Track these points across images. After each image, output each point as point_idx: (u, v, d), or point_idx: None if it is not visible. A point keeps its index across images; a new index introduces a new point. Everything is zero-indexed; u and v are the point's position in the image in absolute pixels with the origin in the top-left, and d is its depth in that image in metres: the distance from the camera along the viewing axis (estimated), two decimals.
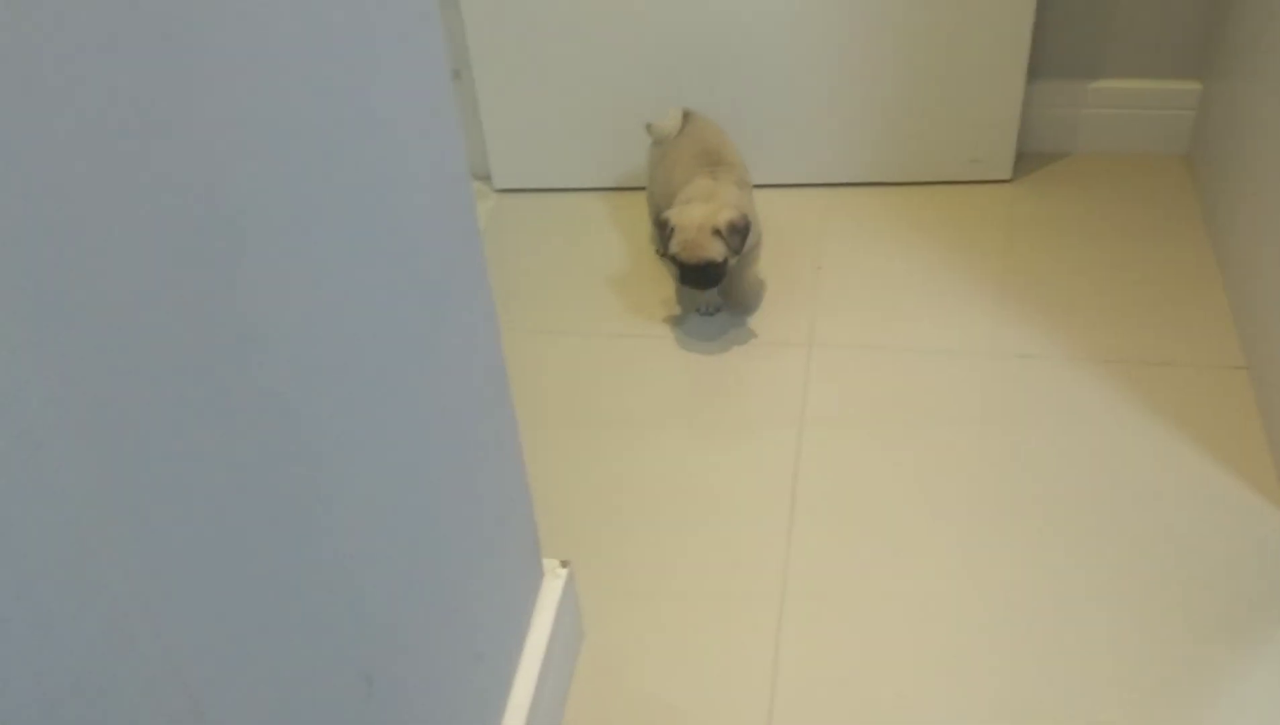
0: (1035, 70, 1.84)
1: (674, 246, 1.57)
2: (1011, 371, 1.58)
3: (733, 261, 1.59)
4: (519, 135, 1.93)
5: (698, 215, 1.56)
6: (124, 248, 0.51)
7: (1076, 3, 1.84)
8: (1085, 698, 1.19)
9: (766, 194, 1.92)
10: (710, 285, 1.62)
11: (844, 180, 1.92)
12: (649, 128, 1.75)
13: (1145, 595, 1.28)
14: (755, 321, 1.70)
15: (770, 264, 1.76)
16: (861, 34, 1.78)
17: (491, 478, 1.04)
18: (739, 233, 1.57)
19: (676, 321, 1.71)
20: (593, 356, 1.67)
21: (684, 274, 1.60)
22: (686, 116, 1.74)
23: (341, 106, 0.71)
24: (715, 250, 1.56)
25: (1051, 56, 1.88)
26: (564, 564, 1.22)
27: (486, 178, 1.98)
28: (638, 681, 1.25)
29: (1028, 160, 1.94)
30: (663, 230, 1.59)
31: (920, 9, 1.75)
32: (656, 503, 1.44)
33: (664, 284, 1.78)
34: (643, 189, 1.86)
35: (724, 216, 1.56)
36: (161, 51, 0.53)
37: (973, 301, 1.70)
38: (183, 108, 0.54)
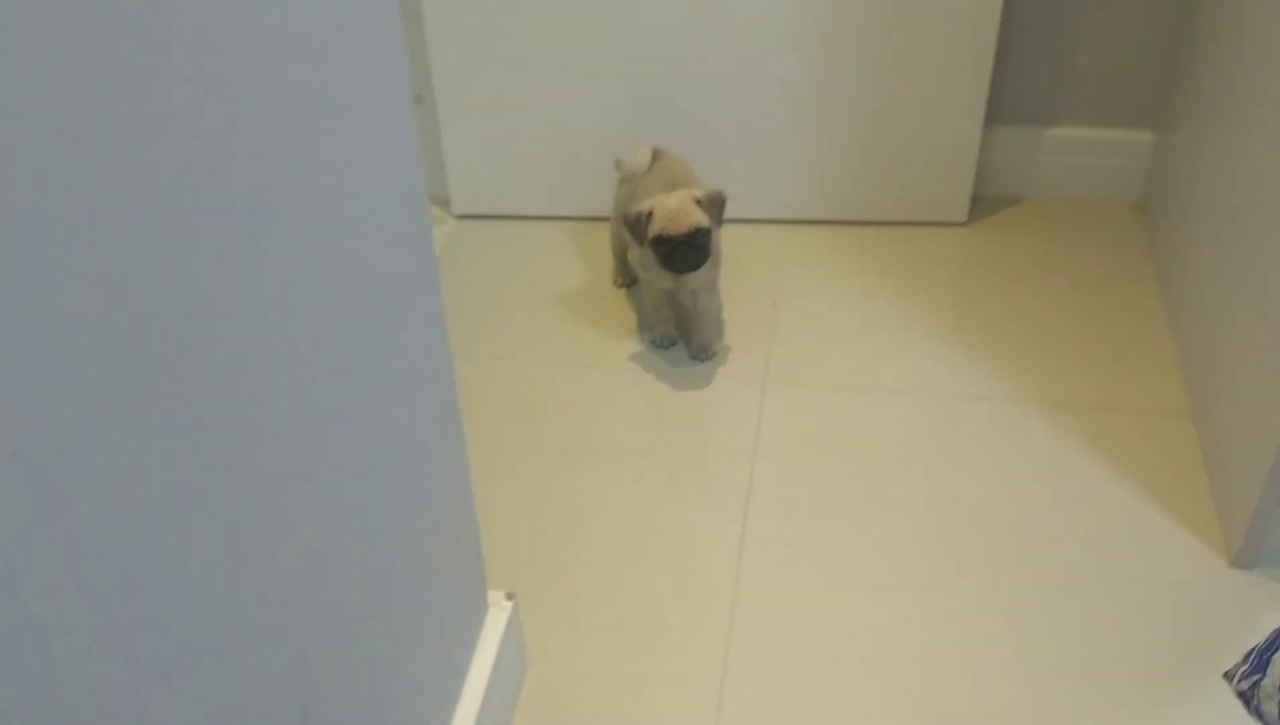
0: (992, 116, 1.87)
1: (657, 225, 1.54)
2: (962, 413, 1.59)
3: (716, 234, 1.58)
4: (479, 161, 1.92)
5: (674, 194, 1.56)
6: (72, 268, 0.50)
7: (1034, 51, 1.87)
8: None
9: (726, 229, 1.93)
10: (699, 261, 1.57)
11: (802, 217, 1.94)
12: (618, 164, 1.74)
13: (1087, 638, 1.29)
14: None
15: (728, 299, 1.76)
16: (822, 75, 1.80)
17: (438, 507, 1.03)
18: (717, 204, 1.56)
19: (633, 355, 1.71)
20: (547, 386, 1.66)
21: (671, 253, 1.55)
22: (656, 155, 1.71)
23: (298, 128, 0.70)
24: (701, 216, 1.54)
25: (1009, 103, 1.91)
26: (509, 596, 1.20)
27: (446, 203, 1.97)
28: (581, 716, 1.24)
29: (983, 204, 1.96)
30: (639, 222, 1.56)
31: (880, 53, 1.77)
32: (606, 534, 1.43)
33: (622, 316, 1.78)
34: (603, 219, 1.86)
35: (700, 190, 1.56)
36: (116, 70, 0.52)
37: (926, 343, 1.71)
38: (136, 131, 0.53)
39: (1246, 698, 0.90)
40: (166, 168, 0.57)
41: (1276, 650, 0.81)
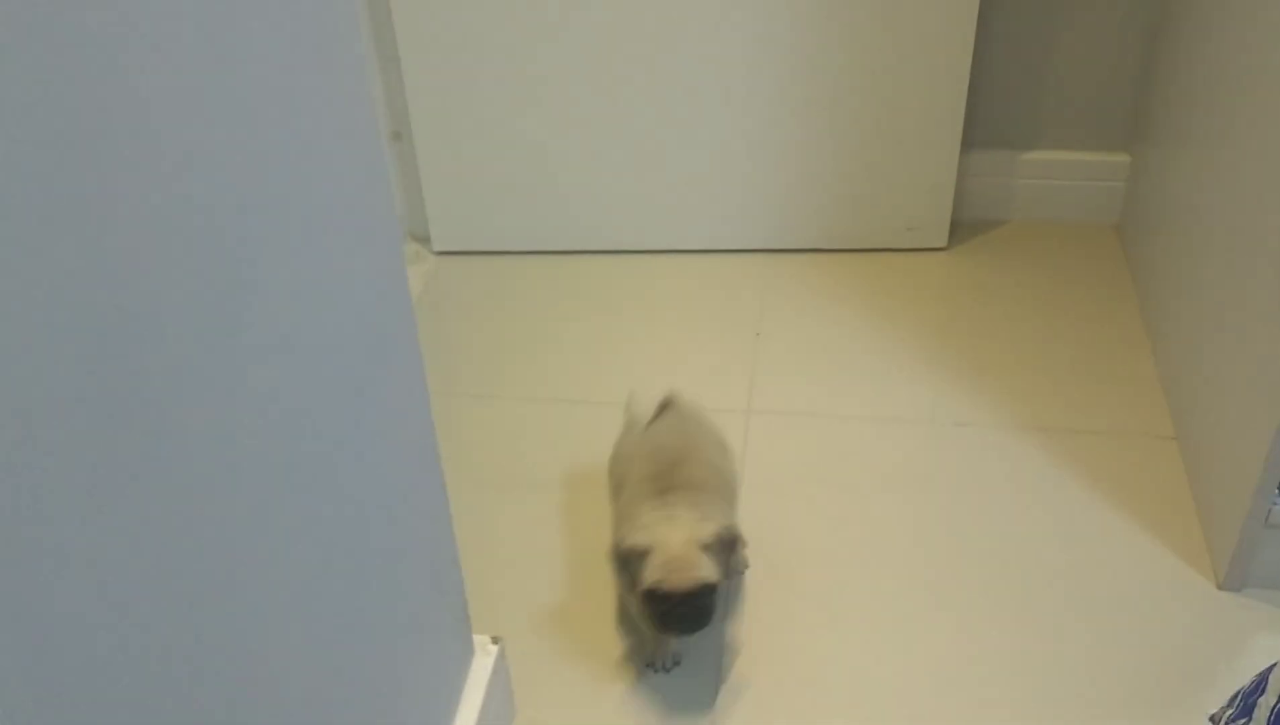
0: (970, 140, 1.88)
1: (653, 573, 1.18)
2: (947, 439, 1.59)
3: (724, 586, 1.23)
4: (459, 197, 1.92)
5: (679, 531, 1.20)
6: (35, 328, 0.49)
7: (1010, 75, 1.88)
8: None
9: (707, 259, 1.93)
10: (702, 623, 1.21)
11: (783, 246, 1.94)
12: (627, 403, 1.49)
13: (1073, 663, 1.28)
14: (694, 387, 1.69)
15: (710, 330, 1.76)
16: (800, 102, 1.80)
17: (418, 548, 1.02)
18: (728, 546, 1.22)
19: (617, 389, 1.70)
20: (530, 422, 1.66)
21: (668, 614, 1.20)
22: (666, 405, 1.39)
23: (264, 169, 0.69)
24: (709, 568, 1.18)
25: (986, 127, 1.92)
26: (495, 640, 1.19)
27: (426, 240, 1.97)
28: None
29: (963, 228, 1.97)
30: (630, 560, 1.20)
31: (857, 81, 1.78)
32: (594, 571, 1.42)
33: (606, 348, 1.78)
34: (587, 253, 1.86)
35: (708, 528, 1.20)
36: (70, 117, 0.51)
37: (909, 369, 1.71)
38: (97, 171, 0.53)
39: None
40: (133, 208, 0.56)
41: (1262, 694, 0.81)
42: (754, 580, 1.40)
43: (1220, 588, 1.35)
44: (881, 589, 1.39)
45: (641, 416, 1.39)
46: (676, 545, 1.18)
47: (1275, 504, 1.27)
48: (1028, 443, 1.57)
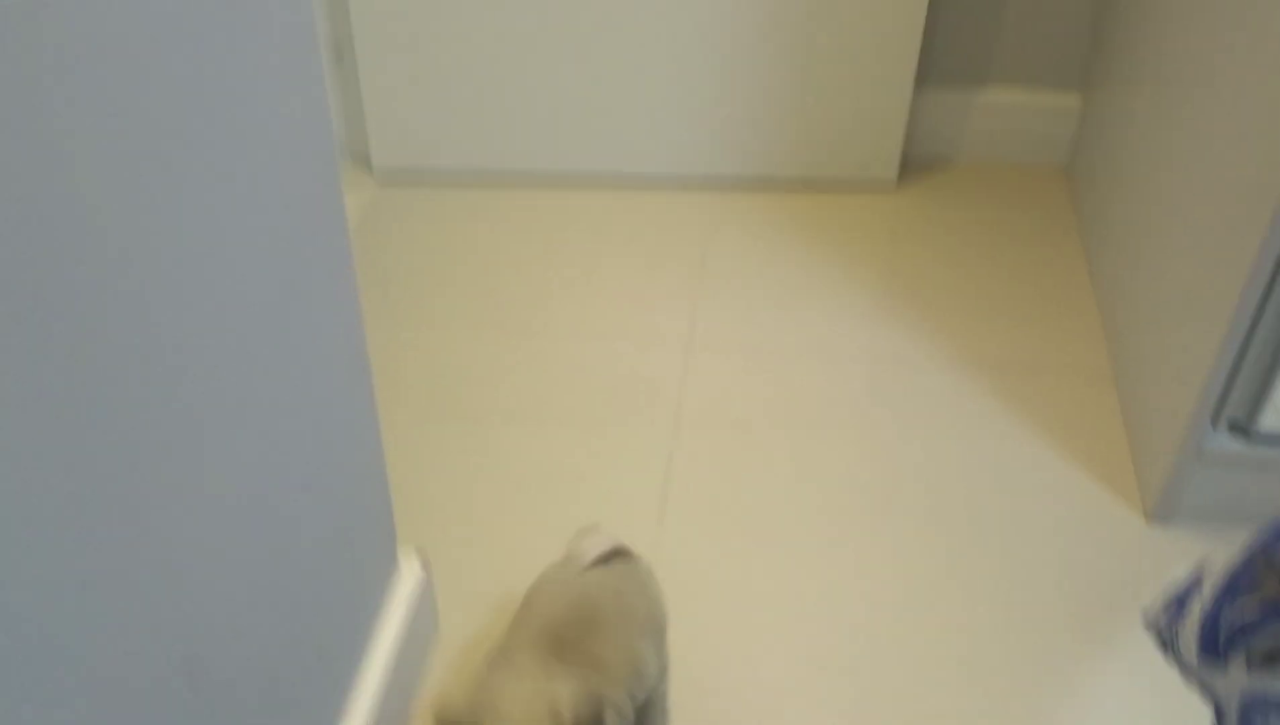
0: (922, 79, 1.86)
1: None
2: (887, 375, 1.59)
3: None
4: (402, 119, 1.88)
5: (524, 692, 0.94)
6: None
7: (964, 14, 1.86)
8: (946, 689, 1.19)
9: (653, 196, 1.90)
10: None
11: (731, 174, 1.91)
12: (577, 534, 1.16)
13: (1006, 593, 1.29)
14: (634, 319, 1.68)
15: (654, 262, 1.74)
16: (751, 33, 1.77)
17: (346, 464, 1.00)
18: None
19: (559, 319, 1.68)
20: (468, 349, 1.63)
21: None
22: (616, 554, 1.10)
23: (199, 80, 0.66)
24: None
25: (939, 66, 1.90)
26: (421, 555, 1.18)
27: (367, 161, 1.92)
28: None
29: (913, 167, 1.95)
30: None
31: (814, 8, 1.75)
32: (524, 499, 1.41)
33: (547, 280, 1.75)
34: (530, 187, 1.82)
35: (566, 698, 0.92)
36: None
37: (853, 305, 1.70)
38: (28, 73, 0.50)
39: (1164, 639, 0.90)
40: (60, 107, 0.53)
41: (1195, 591, 0.81)
42: (686, 509, 1.39)
43: (1148, 520, 1.36)
44: (815, 516, 1.38)
45: (579, 557, 1.11)
46: (519, 712, 0.91)
47: (1208, 438, 1.28)
48: (968, 379, 1.57)
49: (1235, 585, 0.80)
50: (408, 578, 1.16)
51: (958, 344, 1.63)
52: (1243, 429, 1.28)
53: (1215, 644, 0.81)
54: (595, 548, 1.10)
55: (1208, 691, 0.84)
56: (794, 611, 1.28)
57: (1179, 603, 0.85)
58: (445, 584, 1.25)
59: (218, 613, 0.78)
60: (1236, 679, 0.79)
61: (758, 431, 1.50)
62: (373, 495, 1.07)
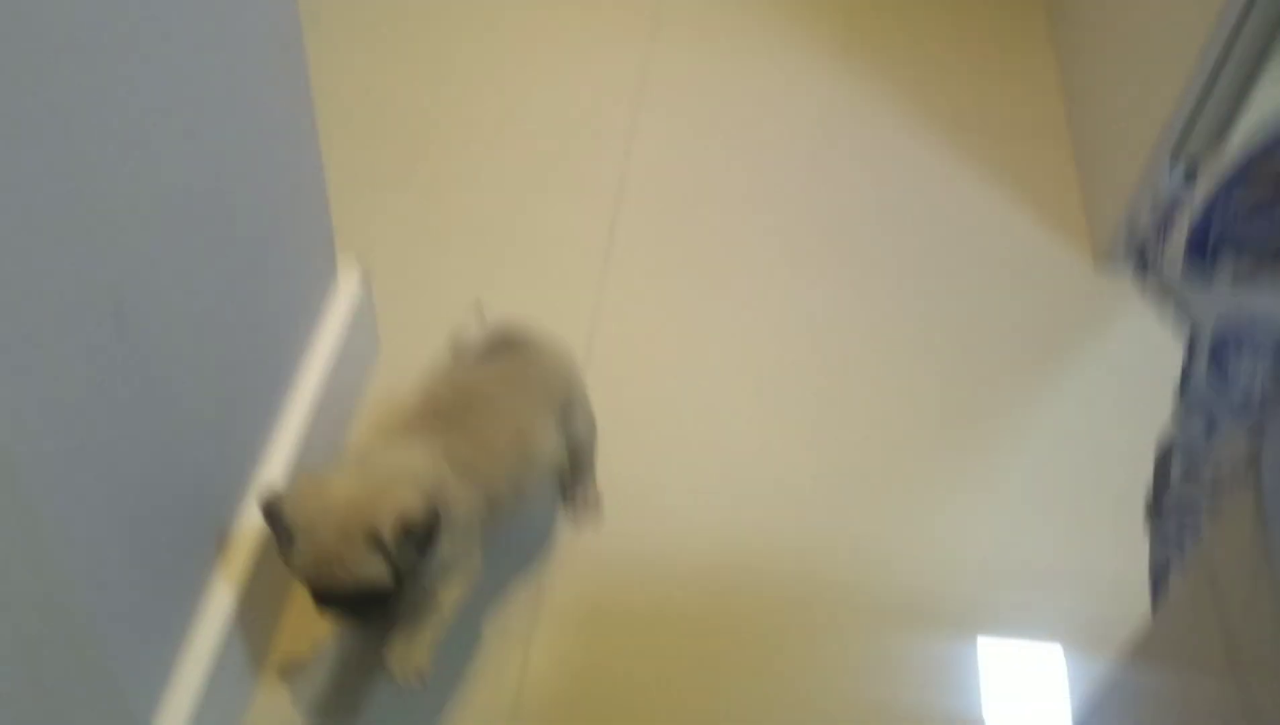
0: None
1: (299, 556, 0.85)
2: (844, 128, 1.55)
3: (410, 580, 0.86)
4: None
5: (341, 498, 0.84)
6: None
7: None
8: (899, 420, 1.20)
9: None
10: (364, 622, 0.90)
11: None
12: (452, 338, 1.10)
13: (948, 325, 1.29)
14: (581, 86, 1.61)
15: (602, 31, 1.66)
16: None
17: (281, 155, 0.94)
18: (416, 535, 0.84)
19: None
20: (413, 85, 1.55)
21: (320, 601, 0.87)
22: (506, 344, 1.04)
23: None
24: (368, 568, 0.84)
25: None
26: (361, 273, 1.13)
27: None
28: None
29: None
30: (273, 520, 0.85)
31: None
32: (467, 241, 1.36)
33: (490, 22, 1.66)
34: None
35: (390, 505, 0.84)
36: None
37: (813, 62, 1.65)
38: None
39: (1146, 258, 0.84)
40: None
41: (1184, 200, 0.79)
42: (638, 234, 1.36)
43: (1097, 261, 1.36)
44: (764, 259, 1.36)
45: (466, 344, 1.06)
46: (328, 531, 0.83)
47: (1163, 176, 1.26)
48: (923, 131, 1.54)
49: (1232, 183, 0.77)
50: (346, 287, 1.11)
51: (914, 99, 1.59)
52: (1194, 175, 1.27)
53: (1204, 247, 0.78)
54: (476, 339, 1.05)
55: (1184, 315, 0.82)
56: (740, 342, 1.26)
57: (1165, 222, 0.82)
58: (387, 314, 1.21)
59: (146, 261, 0.73)
60: (1218, 296, 0.78)
61: (709, 159, 1.47)
62: (309, 193, 1.02)
